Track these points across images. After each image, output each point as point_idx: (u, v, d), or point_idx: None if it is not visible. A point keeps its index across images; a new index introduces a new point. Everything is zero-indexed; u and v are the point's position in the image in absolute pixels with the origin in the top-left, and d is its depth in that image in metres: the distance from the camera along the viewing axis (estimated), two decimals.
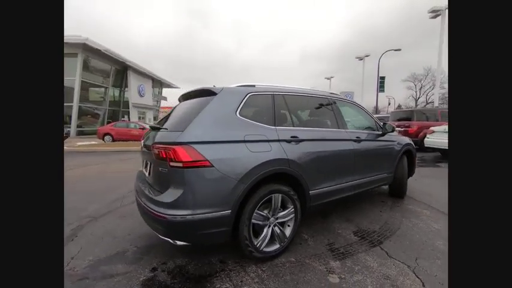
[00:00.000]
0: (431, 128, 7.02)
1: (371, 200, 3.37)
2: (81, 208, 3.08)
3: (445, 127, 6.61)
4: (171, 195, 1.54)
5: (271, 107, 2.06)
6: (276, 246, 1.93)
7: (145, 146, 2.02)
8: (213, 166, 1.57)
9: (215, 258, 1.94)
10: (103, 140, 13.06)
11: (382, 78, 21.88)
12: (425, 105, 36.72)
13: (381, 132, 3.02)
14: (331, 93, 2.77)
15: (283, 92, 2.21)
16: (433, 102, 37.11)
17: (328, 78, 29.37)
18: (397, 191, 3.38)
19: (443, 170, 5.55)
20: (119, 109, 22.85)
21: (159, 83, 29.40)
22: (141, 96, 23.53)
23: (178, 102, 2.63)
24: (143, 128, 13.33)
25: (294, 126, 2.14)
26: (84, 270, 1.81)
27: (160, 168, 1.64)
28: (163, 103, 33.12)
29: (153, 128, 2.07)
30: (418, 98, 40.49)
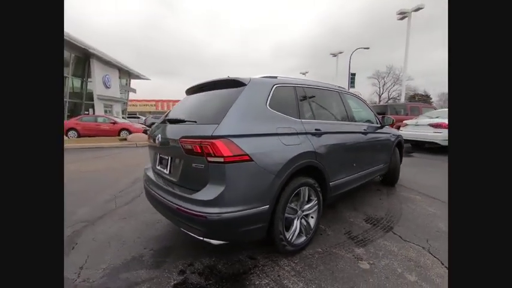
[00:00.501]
0: (405, 122, 7.66)
1: (368, 189, 3.58)
2: (69, 212, 2.73)
3: (417, 120, 7.28)
4: (210, 192, 1.44)
5: (295, 99, 2.04)
6: (303, 238, 1.94)
7: (162, 140, 1.85)
8: (253, 160, 1.51)
9: (243, 255, 1.89)
10: (66, 135, 11.73)
11: (353, 74, 23.11)
12: (387, 101, 39.90)
13: (379, 125, 3.20)
14: (338, 86, 2.84)
15: (302, 85, 2.19)
16: (393, 98, 40.59)
17: (303, 73, 30.10)
18: (391, 180, 3.64)
19: (417, 160, 6.13)
20: (81, 101, 20.60)
21: (126, 74, 27.10)
22: (107, 87, 21.50)
23: (184, 95, 2.47)
24: (114, 123, 12.28)
25: (314, 119, 2.14)
26: (102, 280, 1.62)
27: (194, 164, 1.52)
28: (131, 95, 30.76)
29: (170, 121, 1.90)
30: (382, 94, 43.83)
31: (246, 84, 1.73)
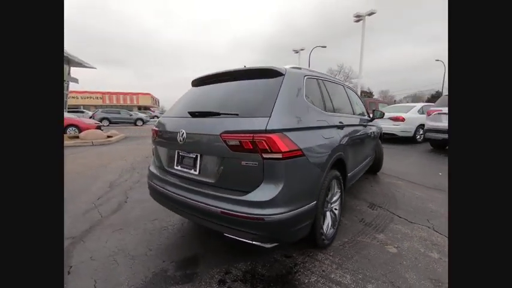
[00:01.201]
0: None
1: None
2: None
3: None
4: (267, 192, 1.31)
5: (319, 91, 2.01)
6: (332, 230, 1.96)
7: (188, 136, 1.60)
8: (304, 155, 1.43)
9: (277, 255, 1.81)
10: None
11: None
12: None
13: (370, 118, 3.43)
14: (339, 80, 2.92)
15: (321, 78, 2.18)
16: None
17: None
18: (376, 168, 3.98)
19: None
20: None
21: (65, 61, 23.09)
22: None
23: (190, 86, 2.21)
24: None
25: (334, 112, 2.16)
26: None
27: (243, 162, 1.35)
28: (72, 86, 26.40)
29: (195, 115, 1.65)
30: None
31: (283, 74, 1.62)
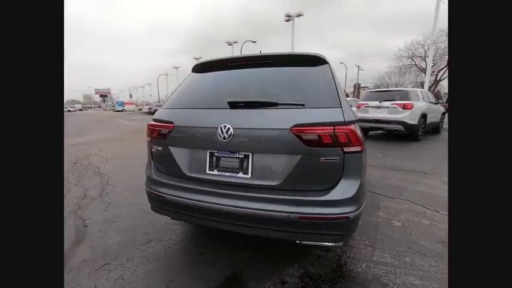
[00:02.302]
0: None
1: None
2: None
3: None
4: (348, 188, 1.22)
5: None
6: None
7: (237, 132, 1.29)
8: (364, 147, 1.42)
9: (317, 251, 1.76)
10: None
11: None
12: None
13: None
14: None
15: None
16: None
17: (196, 59, 28.70)
18: None
19: None
20: None
21: None
22: None
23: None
24: None
25: None
26: None
27: (322, 158, 1.20)
28: None
29: (233, 105, 1.35)
30: None
31: (328, 63, 1.54)
